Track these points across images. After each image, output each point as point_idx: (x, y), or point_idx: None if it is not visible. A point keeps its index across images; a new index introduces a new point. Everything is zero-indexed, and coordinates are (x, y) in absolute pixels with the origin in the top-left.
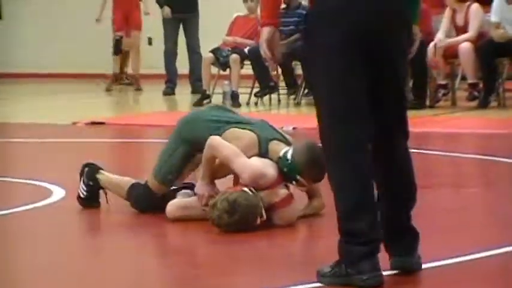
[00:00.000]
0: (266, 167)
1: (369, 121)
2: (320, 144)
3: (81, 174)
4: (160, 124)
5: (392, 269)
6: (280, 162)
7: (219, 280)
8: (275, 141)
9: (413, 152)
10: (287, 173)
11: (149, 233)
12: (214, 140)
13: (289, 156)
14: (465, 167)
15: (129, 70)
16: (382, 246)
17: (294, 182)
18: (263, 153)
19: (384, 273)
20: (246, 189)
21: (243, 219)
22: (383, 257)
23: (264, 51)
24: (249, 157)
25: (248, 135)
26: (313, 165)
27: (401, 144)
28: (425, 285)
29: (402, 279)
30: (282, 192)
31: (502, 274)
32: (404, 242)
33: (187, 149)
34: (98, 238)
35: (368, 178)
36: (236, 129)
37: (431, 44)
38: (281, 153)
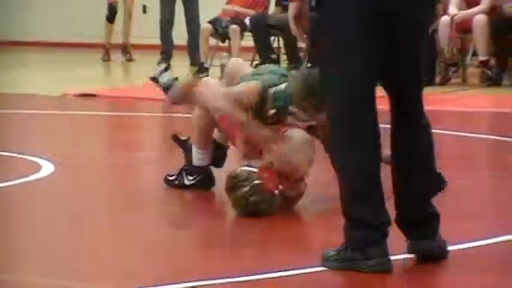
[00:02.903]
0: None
1: (373, 103)
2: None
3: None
4: (153, 97)
5: (409, 252)
6: (275, 96)
7: None
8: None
9: None
10: (283, 106)
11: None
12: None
13: (283, 86)
14: (477, 148)
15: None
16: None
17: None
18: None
19: (394, 257)
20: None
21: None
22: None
23: (293, 29)
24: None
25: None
26: (312, 91)
27: (423, 129)
28: (440, 272)
29: (413, 266)
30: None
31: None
32: (424, 226)
33: None
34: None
35: (372, 162)
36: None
37: (444, 18)
38: (273, 90)
